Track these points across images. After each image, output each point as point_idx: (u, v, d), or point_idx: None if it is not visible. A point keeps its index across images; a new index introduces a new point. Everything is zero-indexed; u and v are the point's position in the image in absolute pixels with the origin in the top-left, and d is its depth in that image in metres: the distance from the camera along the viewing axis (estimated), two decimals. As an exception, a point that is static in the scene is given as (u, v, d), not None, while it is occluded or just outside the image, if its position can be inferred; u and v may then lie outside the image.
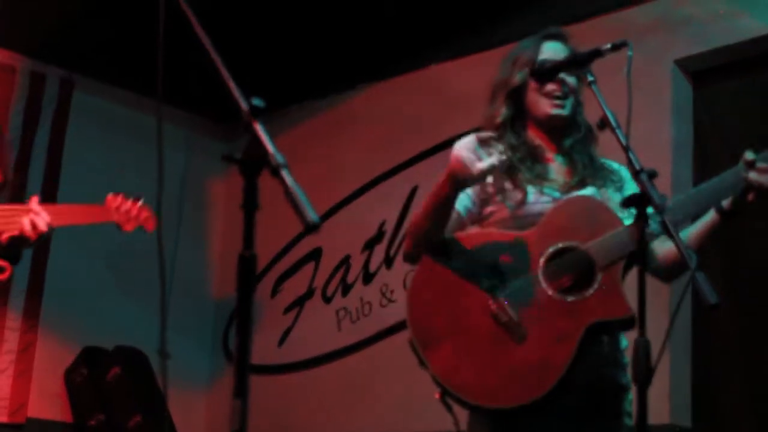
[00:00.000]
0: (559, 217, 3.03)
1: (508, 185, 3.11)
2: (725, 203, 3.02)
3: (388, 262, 6.22)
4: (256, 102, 1.98)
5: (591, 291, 2.92)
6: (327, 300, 6.62)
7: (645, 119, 4.52)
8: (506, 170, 3.09)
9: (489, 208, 3.16)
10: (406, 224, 3.21)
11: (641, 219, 2.68)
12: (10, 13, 6.03)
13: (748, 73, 5.21)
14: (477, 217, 3.18)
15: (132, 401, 6.25)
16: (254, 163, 1.94)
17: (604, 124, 2.87)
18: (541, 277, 2.98)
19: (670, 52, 5.30)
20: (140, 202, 4.08)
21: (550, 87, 3.16)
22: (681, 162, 5.22)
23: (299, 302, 6.78)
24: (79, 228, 6.60)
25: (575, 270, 2.97)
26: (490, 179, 2.97)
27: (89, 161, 6.59)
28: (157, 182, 2.16)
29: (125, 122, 6.80)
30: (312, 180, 6.17)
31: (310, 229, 1.82)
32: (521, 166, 3.12)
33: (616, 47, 2.94)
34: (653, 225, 2.81)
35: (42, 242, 3.59)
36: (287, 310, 6.83)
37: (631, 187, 3.07)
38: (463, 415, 3.08)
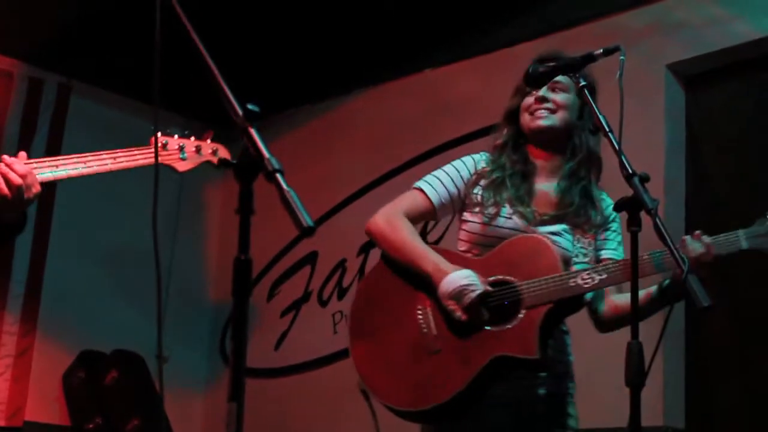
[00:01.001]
0: (508, 251, 3.13)
1: (490, 198, 3.22)
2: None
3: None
4: (251, 107, 1.99)
5: (509, 326, 3.03)
6: (323, 304, 6.64)
7: (638, 123, 4.54)
8: (495, 186, 3.21)
9: (466, 214, 3.28)
10: (381, 225, 3.30)
11: (633, 222, 2.71)
12: (7, 19, 6.05)
13: (741, 76, 5.24)
14: (450, 214, 3.36)
15: (129, 405, 6.26)
16: (250, 168, 1.96)
17: (597, 128, 2.89)
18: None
19: (662, 57, 5.32)
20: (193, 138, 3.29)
21: (528, 101, 3.28)
22: (674, 166, 5.24)
23: (295, 306, 6.79)
24: (76, 232, 6.65)
25: (503, 303, 3.06)
26: (478, 191, 3.20)
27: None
28: (153, 187, 2.18)
29: (122, 127, 6.80)
30: (307, 184, 6.19)
31: (306, 233, 1.84)
32: (508, 182, 3.22)
33: (608, 52, 2.95)
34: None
35: (34, 200, 2.90)
36: (283, 313, 6.84)
37: (616, 228, 3.27)
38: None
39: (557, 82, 3.23)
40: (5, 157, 2.84)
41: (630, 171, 2.73)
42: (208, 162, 3.21)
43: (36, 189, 2.88)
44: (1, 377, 6.23)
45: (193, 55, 2.11)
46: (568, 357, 3.29)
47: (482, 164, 3.32)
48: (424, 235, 5.86)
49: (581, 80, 2.97)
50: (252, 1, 6.08)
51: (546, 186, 3.28)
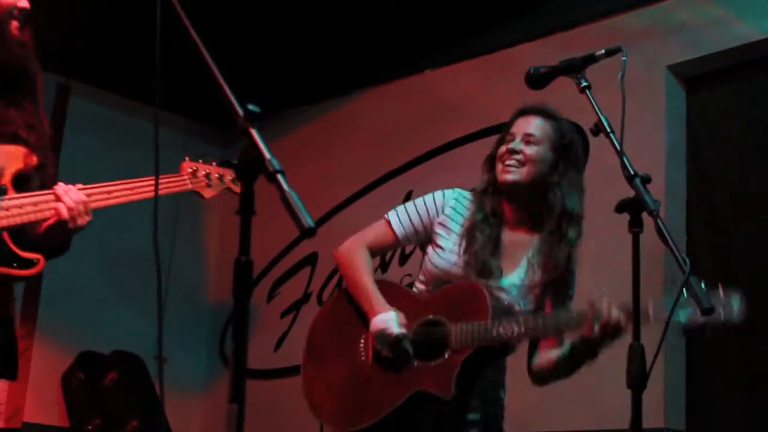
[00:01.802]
0: (449, 293, 3.29)
1: (462, 243, 3.33)
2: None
3: (384, 267, 6.22)
4: (252, 107, 1.99)
5: (433, 363, 3.19)
6: (323, 305, 6.63)
7: (639, 124, 4.54)
8: (469, 232, 3.33)
9: (430, 249, 3.42)
10: (343, 258, 3.55)
11: (635, 224, 2.71)
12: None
13: (741, 78, 5.23)
14: (413, 245, 3.68)
15: (129, 406, 6.25)
16: (250, 169, 1.95)
17: (598, 129, 2.89)
18: (408, 336, 3.24)
19: (663, 58, 5.31)
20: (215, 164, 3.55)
21: (501, 150, 3.37)
22: (674, 167, 5.23)
23: (295, 307, 6.79)
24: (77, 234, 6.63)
25: (432, 341, 3.22)
26: (441, 229, 3.37)
27: (86, 167, 6.55)
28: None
29: (122, 128, 6.81)
30: (308, 185, 6.18)
31: (307, 234, 1.83)
32: (478, 232, 3.32)
33: (610, 53, 2.96)
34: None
35: (83, 227, 3.10)
36: (283, 314, 6.83)
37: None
38: None
39: (531, 135, 3.34)
40: (60, 184, 3.07)
41: (631, 172, 2.73)
42: (230, 190, 3.54)
43: (88, 218, 3.08)
44: (-1, 378, 6.22)
45: (194, 55, 2.10)
46: (500, 395, 3.39)
47: (452, 203, 3.42)
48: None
49: (583, 81, 2.97)
50: (252, 1, 6.07)
51: (513, 236, 3.37)
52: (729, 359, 5.01)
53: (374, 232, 3.51)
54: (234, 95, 2.03)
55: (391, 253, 6.16)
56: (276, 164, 1.90)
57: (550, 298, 3.33)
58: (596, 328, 2.96)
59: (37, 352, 6.39)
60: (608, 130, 2.84)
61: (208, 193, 3.52)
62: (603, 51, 2.97)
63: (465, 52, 6.17)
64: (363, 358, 3.33)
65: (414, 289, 3.46)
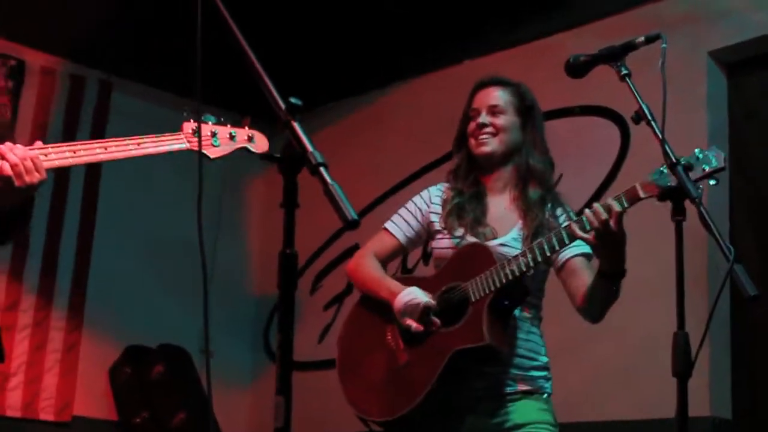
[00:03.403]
0: (454, 262, 3.37)
1: (454, 223, 3.42)
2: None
3: (426, 258, 6.23)
4: (294, 101, 2.00)
5: (460, 323, 3.23)
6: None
7: (680, 111, 4.50)
8: (457, 211, 3.43)
9: (432, 243, 3.53)
10: (352, 267, 3.64)
11: (678, 212, 2.70)
12: (49, 17, 6.10)
13: (783, 62, 5.19)
14: (420, 244, 3.68)
15: (176, 399, 6.31)
16: (293, 162, 1.96)
17: (639, 117, 2.87)
18: (434, 307, 3.29)
19: (703, 44, 5.27)
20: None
21: (471, 126, 3.47)
22: (717, 153, 5.19)
23: (338, 299, 6.81)
24: (120, 228, 6.70)
25: (454, 305, 3.27)
26: (436, 218, 3.48)
27: (128, 161, 6.64)
28: (196, 182, 2.18)
29: (164, 123, 6.78)
30: (350, 177, 6.17)
31: (350, 226, 1.84)
32: (467, 206, 3.43)
33: (649, 40, 2.94)
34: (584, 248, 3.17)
35: (36, 186, 2.78)
36: (327, 306, 6.86)
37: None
38: None
39: (495, 105, 3.44)
40: (7, 143, 2.78)
41: (674, 159, 2.71)
42: (245, 149, 3.14)
43: (39, 175, 2.78)
44: (49, 372, 6.30)
45: (235, 49, 2.12)
46: (541, 357, 3.38)
47: (437, 194, 3.54)
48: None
49: (623, 69, 2.96)
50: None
51: (497, 202, 3.45)
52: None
53: (377, 242, 3.61)
54: (275, 88, 2.04)
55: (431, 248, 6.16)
56: (318, 157, 1.92)
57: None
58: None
59: (84, 347, 6.46)
60: (649, 117, 2.83)
61: (214, 153, 3.12)
62: (643, 38, 2.96)
63: (503, 42, 6.16)
64: (394, 346, 3.38)
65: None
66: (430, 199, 3.55)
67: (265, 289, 7.24)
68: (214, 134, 3.16)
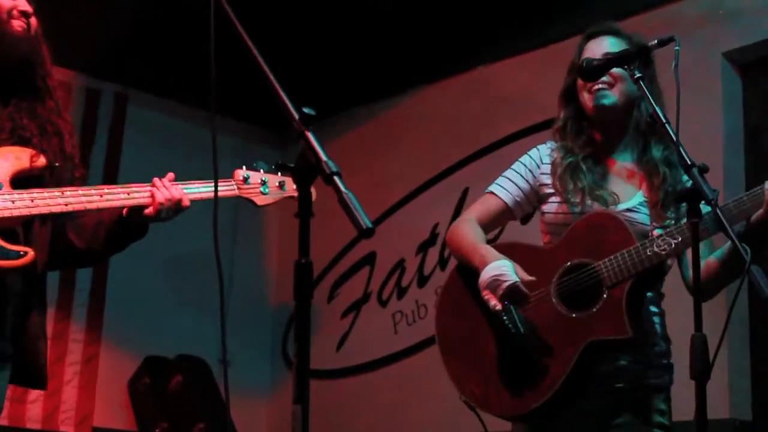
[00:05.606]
0: (579, 232, 3.10)
1: (568, 185, 3.18)
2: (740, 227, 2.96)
3: (443, 264, 6.23)
4: (307, 110, 2.01)
5: (594, 309, 2.99)
6: (383, 304, 6.65)
7: (695, 113, 4.48)
8: (570, 172, 3.17)
9: (543, 206, 3.27)
10: (449, 235, 3.36)
11: (694, 214, 2.69)
12: (63, 31, 6.10)
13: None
14: (529, 209, 3.34)
15: (195, 409, 6.32)
16: (307, 171, 1.97)
17: (654, 119, 2.87)
18: (552, 292, 3.08)
19: (718, 45, 5.26)
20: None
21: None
22: (732, 155, 5.18)
23: (355, 307, 6.82)
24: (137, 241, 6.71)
25: (584, 287, 3.03)
26: (548, 179, 3.21)
27: (145, 174, 6.65)
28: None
29: (180, 135, 6.87)
30: (364, 185, 6.20)
31: (365, 234, 1.85)
32: (583, 166, 3.18)
33: (662, 43, 2.94)
34: (707, 222, 2.82)
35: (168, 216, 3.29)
36: (344, 315, 6.86)
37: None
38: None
39: (609, 54, 3.15)
40: (158, 180, 3.22)
41: (689, 162, 2.71)
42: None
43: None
44: (68, 384, 6.32)
45: (249, 60, 2.13)
46: (662, 341, 3.19)
47: (547, 153, 3.30)
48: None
49: (636, 72, 2.95)
50: (306, 3, 6.11)
51: (616, 162, 3.23)
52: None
53: (480, 206, 3.34)
54: (288, 96, 2.05)
55: (448, 253, 6.16)
56: (333, 166, 1.92)
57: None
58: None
59: (103, 359, 6.48)
60: (664, 120, 2.82)
61: (261, 201, 3.38)
62: (656, 41, 2.95)
63: (517, 47, 6.15)
64: (513, 331, 3.04)
65: None
66: (540, 159, 3.29)
67: (282, 298, 7.25)
68: (264, 182, 3.33)
